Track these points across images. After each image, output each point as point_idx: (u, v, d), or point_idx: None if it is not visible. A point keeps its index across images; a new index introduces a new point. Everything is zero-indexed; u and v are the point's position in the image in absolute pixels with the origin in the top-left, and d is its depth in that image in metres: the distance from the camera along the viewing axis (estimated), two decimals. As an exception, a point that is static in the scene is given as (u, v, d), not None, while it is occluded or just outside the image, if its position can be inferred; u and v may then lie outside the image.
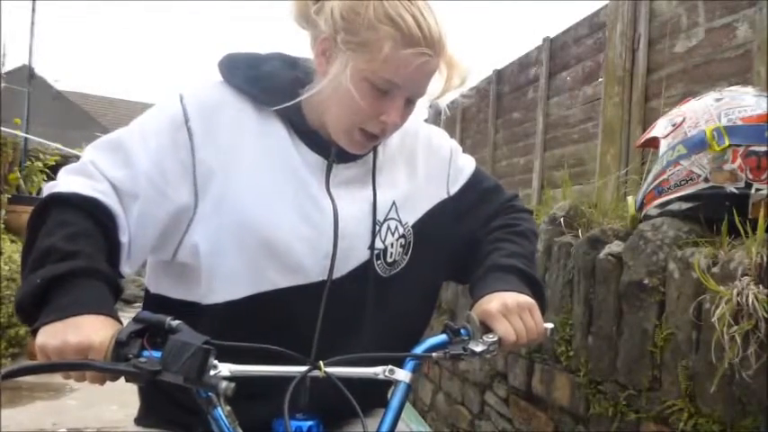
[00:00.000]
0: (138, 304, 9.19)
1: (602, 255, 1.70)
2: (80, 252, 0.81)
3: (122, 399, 1.04)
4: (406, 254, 1.02)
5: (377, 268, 0.98)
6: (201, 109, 0.93)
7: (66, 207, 0.85)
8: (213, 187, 0.91)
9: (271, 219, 0.92)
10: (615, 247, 1.67)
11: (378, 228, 0.98)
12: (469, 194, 1.11)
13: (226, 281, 0.92)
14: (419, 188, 1.05)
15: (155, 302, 0.99)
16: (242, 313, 0.93)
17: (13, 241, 5.24)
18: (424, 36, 0.85)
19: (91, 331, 0.76)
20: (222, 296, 0.93)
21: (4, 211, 5.24)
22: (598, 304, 1.72)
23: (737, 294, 1.20)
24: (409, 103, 0.93)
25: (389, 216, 1.00)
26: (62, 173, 0.91)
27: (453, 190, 1.10)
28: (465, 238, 1.09)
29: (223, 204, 0.91)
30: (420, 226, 1.03)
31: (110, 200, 0.88)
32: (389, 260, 0.99)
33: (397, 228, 1.00)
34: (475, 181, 1.12)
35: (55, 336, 0.75)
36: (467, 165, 1.14)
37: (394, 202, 1.00)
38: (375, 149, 1.01)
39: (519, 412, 2.15)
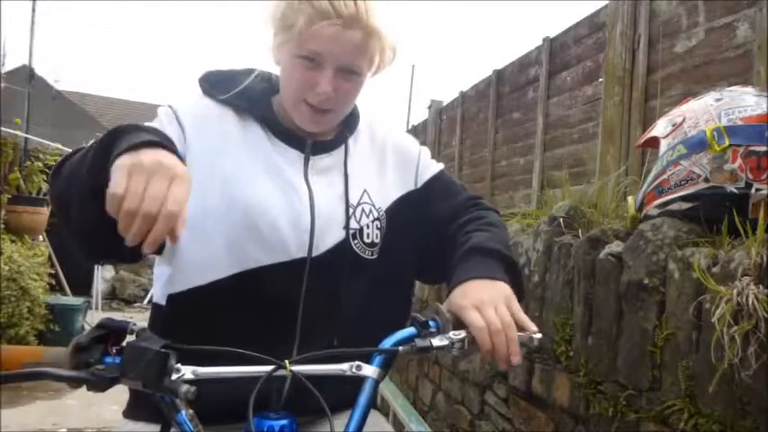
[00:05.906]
0: (137, 304, 9.19)
1: (602, 255, 1.70)
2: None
3: (122, 399, 1.04)
4: (383, 236, 1.08)
5: (354, 247, 1.04)
6: (190, 115, 1.02)
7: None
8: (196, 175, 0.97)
9: (254, 197, 0.98)
10: (615, 247, 1.67)
11: (352, 210, 1.05)
12: (435, 187, 1.17)
13: (210, 261, 0.96)
14: (389, 179, 1.14)
15: (152, 312, 1.04)
16: (227, 293, 0.96)
17: (13, 241, 5.24)
18: (335, 11, 0.94)
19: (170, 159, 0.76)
20: (207, 277, 0.96)
21: (3, 211, 5.24)
22: (598, 304, 1.72)
23: (737, 294, 1.20)
24: (347, 74, 0.99)
25: (362, 201, 1.07)
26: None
27: (420, 182, 1.17)
28: (433, 231, 1.12)
29: (207, 186, 0.96)
30: (391, 212, 1.10)
31: None
32: (367, 240, 1.06)
33: (371, 211, 1.07)
34: (441, 177, 1.20)
35: (146, 154, 0.75)
36: (434, 164, 1.21)
37: (365, 190, 1.09)
38: (346, 144, 1.10)
39: (519, 412, 2.15)
